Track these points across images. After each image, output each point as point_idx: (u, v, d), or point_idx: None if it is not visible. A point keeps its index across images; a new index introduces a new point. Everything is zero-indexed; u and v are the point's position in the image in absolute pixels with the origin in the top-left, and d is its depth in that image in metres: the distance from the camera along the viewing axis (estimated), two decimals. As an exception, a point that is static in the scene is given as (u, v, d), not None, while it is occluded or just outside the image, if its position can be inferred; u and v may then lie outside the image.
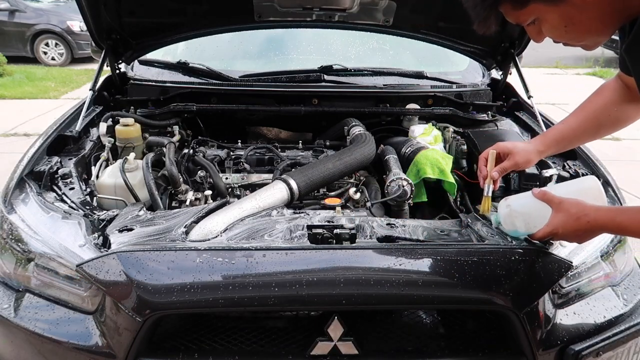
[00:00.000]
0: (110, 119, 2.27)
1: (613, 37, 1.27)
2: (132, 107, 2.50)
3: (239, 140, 2.45)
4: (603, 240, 1.64)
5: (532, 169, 2.01)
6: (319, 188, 2.04)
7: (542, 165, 2.06)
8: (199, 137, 2.44)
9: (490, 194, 1.54)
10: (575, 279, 1.54)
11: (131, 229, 1.52)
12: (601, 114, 1.50)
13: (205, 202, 1.95)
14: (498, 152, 1.53)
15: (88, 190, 1.86)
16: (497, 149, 1.53)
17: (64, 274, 1.46)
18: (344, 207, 1.91)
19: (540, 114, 2.40)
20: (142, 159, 2.08)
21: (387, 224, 1.61)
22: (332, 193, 2.08)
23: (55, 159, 1.94)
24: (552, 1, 1.13)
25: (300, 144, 2.46)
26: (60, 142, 2.08)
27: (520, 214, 1.41)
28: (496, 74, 2.81)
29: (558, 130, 1.56)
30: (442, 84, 2.70)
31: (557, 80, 9.19)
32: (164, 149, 2.14)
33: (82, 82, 8.39)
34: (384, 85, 2.64)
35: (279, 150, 2.35)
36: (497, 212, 1.50)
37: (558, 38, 1.27)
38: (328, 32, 2.89)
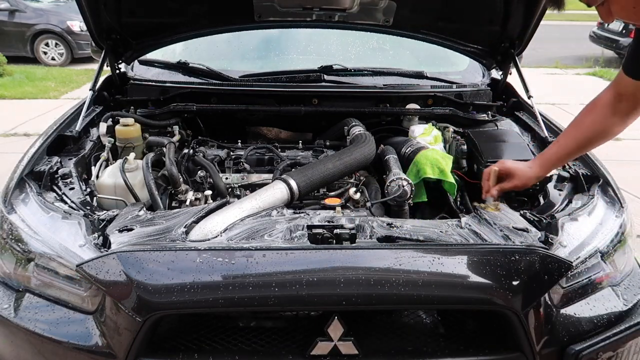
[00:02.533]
0: (110, 119, 2.27)
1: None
2: (132, 107, 2.50)
3: (239, 140, 2.45)
4: (603, 240, 1.64)
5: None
6: (319, 188, 2.04)
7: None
8: (199, 137, 2.44)
9: (490, 206, 1.76)
10: (575, 279, 1.53)
11: (131, 229, 1.52)
12: (594, 133, 1.68)
13: (205, 202, 1.95)
14: (500, 172, 1.78)
15: (88, 190, 1.86)
16: (500, 168, 1.77)
17: (64, 274, 1.46)
18: (344, 207, 1.91)
19: (540, 114, 2.40)
20: (142, 159, 2.08)
21: (387, 224, 1.61)
22: (332, 193, 2.08)
23: (55, 159, 1.94)
24: None
25: (300, 144, 2.45)
26: (60, 142, 2.08)
27: None
28: (496, 74, 2.81)
29: (554, 152, 1.75)
30: (442, 84, 2.70)
31: (557, 80, 9.19)
32: (164, 149, 2.14)
33: (82, 82, 8.38)
34: (384, 85, 2.64)
35: (279, 150, 2.35)
36: None
37: (626, 18, 1.37)
38: (328, 32, 2.89)
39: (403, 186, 1.92)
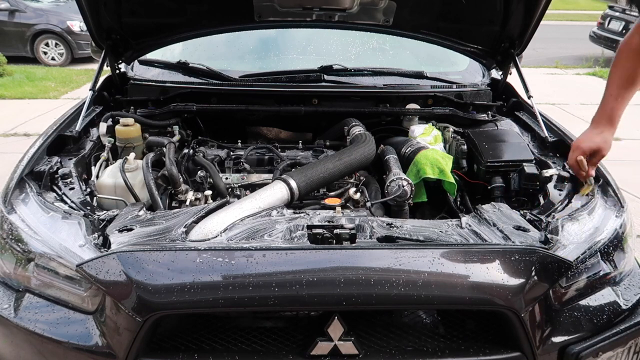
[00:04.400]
0: (110, 119, 2.27)
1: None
2: (132, 107, 2.50)
3: (239, 140, 2.45)
4: (603, 240, 1.64)
5: (532, 169, 2.02)
6: (319, 188, 2.04)
7: (542, 165, 2.07)
8: (199, 137, 2.44)
9: (592, 183, 1.87)
10: (575, 279, 1.53)
11: (131, 229, 1.52)
12: (637, 75, 1.74)
13: (205, 202, 1.95)
14: (586, 156, 1.81)
15: (88, 190, 1.86)
16: (584, 154, 1.82)
17: (64, 274, 1.46)
18: (344, 207, 1.91)
19: (540, 114, 2.40)
20: (142, 159, 2.08)
21: (387, 224, 1.61)
22: (332, 193, 2.08)
23: (55, 159, 1.94)
24: None
25: (300, 144, 2.45)
26: (60, 142, 2.08)
27: None
28: (496, 74, 2.81)
29: (612, 107, 1.80)
30: (442, 84, 2.70)
31: (557, 80, 9.19)
32: (164, 149, 2.14)
33: (82, 82, 8.38)
34: (384, 85, 2.64)
35: (279, 150, 2.35)
36: None
37: None
38: (328, 32, 2.89)
39: (403, 186, 1.92)
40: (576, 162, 1.84)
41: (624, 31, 9.93)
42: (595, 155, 1.82)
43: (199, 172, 2.12)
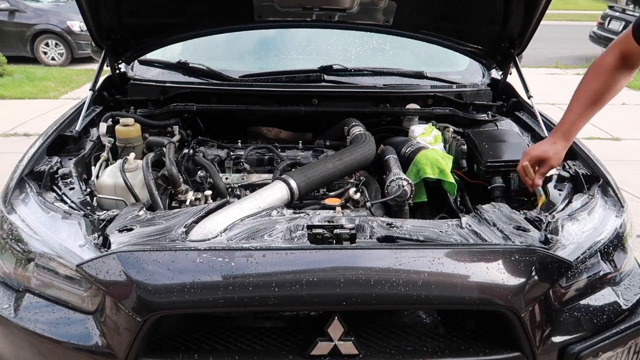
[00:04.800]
0: (110, 119, 2.27)
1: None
2: (132, 107, 2.50)
3: (239, 140, 2.45)
4: (603, 240, 1.64)
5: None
6: (319, 188, 2.04)
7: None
8: (199, 137, 2.44)
9: (543, 194, 1.86)
10: (575, 279, 1.53)
11: (131, 229, 1.52)
12: (603, 95, 1.71)
13: (205, 202, 1.95)
14: (531, 164, 1.80)
15: (88, 190, 1.86)
16: (531, 161, 1.80)
17: (64, 274, 1.46)
18: (344, 207, 1.91)
19: (540, 114, 2.40)
20: (142, 159, 2.08)
21: (387, 224, 1.61)
22: (332, 193, 2.08)
23: (55, 159, 1.94)
24: None
25: (300, 144, 2.45)
26: (60, 142, 2.08)
27: None
28: (496, 74, 2.81)
29: (572, 122, 1.78)
30: (442, 84, 2.70)
31: (557, 80, 9.19)
32: (164, 149, 2.14)
33: (82, 82, 8.38)
34: (384, 85, 2.64)
35: (279, 150, 2.35)
36: None
37: None
38: (328, 32, 2.89)
39: (403, 186, 1.92)
40: (522, 168, 1.82)
41: (623, 31, 9.93)
42: (542, 164, 1.80)
43: (199, 172, 2.12)
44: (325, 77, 2.62)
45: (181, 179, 2.02)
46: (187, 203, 1.94)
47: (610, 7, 10.79)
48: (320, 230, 1.44)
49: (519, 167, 1.84)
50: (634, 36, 1.60)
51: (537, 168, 1.81)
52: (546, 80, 8.90)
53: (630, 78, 1.73)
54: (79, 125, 2.17)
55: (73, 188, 1.81)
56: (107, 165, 2.11)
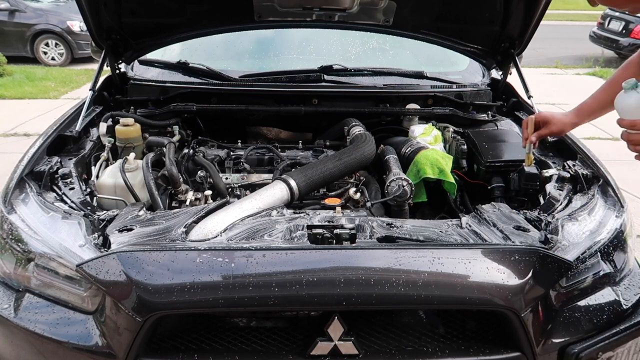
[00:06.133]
0: (110, 119, 2.27)
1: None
2: (132, 107, 2.50)
3: (239, 140, 2.45)
4: (603, 240, 1.64)
5: (532, 169, 2.02)
6: (319, 188, 2.04)
7: (542, 165, 2.07)
8: (199, 137, 2.44)
9: (531, 152, 1.89)
10: (575, 279, 1.53)
11: (131, 229, 1.52)
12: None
13: (205, 202, 1.95)
14: (537, 120, 1.86)
15: (88, 190, 1.86)
16: (537, 118, 1.86)
17: (64, 274, 1.46)
18: (344, 207, 1.91)
19: (541, 114, 2.40)
20: (142, 159, 2.08)
21: (387, 224, 1.61)
22: (332, 193, 2.08)
23: (55, 159, 1.94)
24: None
25: (300, 144, 2.45)
26: (60, 142, 2.08)
27: None
28: (496, 74, 2.81)
29: (590, 105, 1.83)
30: (442, 84, 2.70)
31: (557, 80, 9.19)
32: (164, 149, 2.14)
33: (82, 82, 8.38)
34: (384, 85, 2.64)
35: (279, 150, 2.35)
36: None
37: (607, 3, 1.51)
38: (328, 32, 2.89)
39: (403, 186, 1.92)
40: (526, 121, 1.89)
41: (623, 31, 9.94)
42: (546, 125, 1.86)
43: (199, 172, 2.12)
44: (325, 77, 2.62)
45: (181, 179, 2.02)
46: (187, 203, 1.94)
47: (611, 7, 10.78)
48: (320, 230, 1.44)
49: (525, 119, 1.89)
50: None
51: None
52: (546, 80, 8.90)
53: None
54: (79, 125, 2.18)
55: (73, 188, 1.81)
56: (107, 165, 2.11)
